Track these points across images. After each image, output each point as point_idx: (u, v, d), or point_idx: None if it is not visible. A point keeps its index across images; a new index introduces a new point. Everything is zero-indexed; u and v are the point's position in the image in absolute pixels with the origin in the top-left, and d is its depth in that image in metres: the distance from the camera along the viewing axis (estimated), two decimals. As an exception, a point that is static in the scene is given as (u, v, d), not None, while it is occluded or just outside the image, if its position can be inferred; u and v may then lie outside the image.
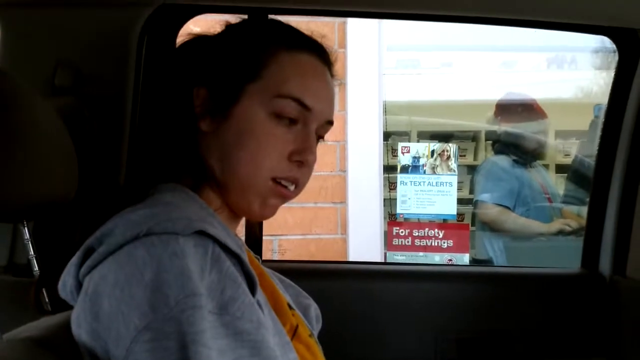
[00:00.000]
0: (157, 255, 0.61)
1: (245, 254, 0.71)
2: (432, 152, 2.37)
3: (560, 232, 2.76)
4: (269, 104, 0.77)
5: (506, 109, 3.01)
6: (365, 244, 2.93)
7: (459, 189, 2.57)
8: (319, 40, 0.85)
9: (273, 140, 0.77)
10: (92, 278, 0.64)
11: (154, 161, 0.81)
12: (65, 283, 0.69)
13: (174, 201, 0.72)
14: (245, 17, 0.99)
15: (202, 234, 0.64)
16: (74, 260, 0.67)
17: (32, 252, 0.96)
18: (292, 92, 0.78)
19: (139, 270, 0.60)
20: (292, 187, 0.80)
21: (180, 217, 0.65)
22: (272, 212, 0.82)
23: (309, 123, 0.80)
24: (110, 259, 0.63)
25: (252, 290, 0.67)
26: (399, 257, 2.33)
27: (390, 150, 2.99)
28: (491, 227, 2.82)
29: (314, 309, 0.92)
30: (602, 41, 3.11)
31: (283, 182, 0.79)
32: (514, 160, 2.85)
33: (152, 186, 0.77)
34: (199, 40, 0.84)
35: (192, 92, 0.79)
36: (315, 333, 0.89)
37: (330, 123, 0.84)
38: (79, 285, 0.67)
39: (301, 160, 0.79)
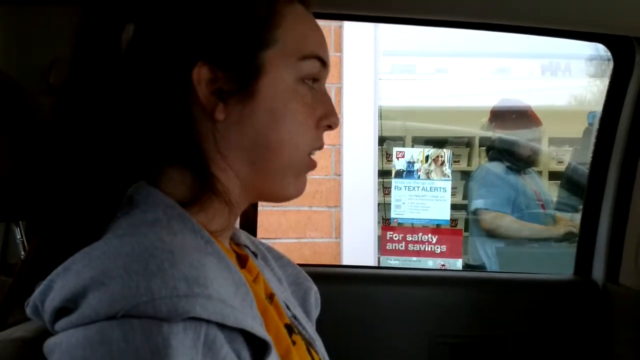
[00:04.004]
0: (135, 347, 0.50)
1: (257, 316, 0.61)
2: (427, 157, 2.37)
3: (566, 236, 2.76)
4: (295, 69, 0.67)
5: (500, 116, 3.02)
6: (359, 248, 2.93)
7: (453, 194, 2.57)
8: None
9: (307, 110, 0.68)
10: (61, 343, 0.54)
11: (133, 165, 0.67)
12: (36, 311, 0.59)
13: (158, 244, 0.56)
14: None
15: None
16: (49, 311, 0.56)
17: (24, 252, 0.95)
18: (314, 50, 0.68)
19: (113, 359, 0.50)
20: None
21: (164, 290, 0.51)
22: (304, 188, 0.72)
23: (324, 80, 0.71)
24: (81, 330, 0.52)
25: (264, 355, 0.58)
26: (393, 261, 2.33)
27: (385, 155, 3.00)
28: (488, 234, 2.82)
29: (314, 293, 0.85)
30: (597, 49, 3.13)
31: (313, 153, 0.71)
32: (507, 167, 2.86)
33: (130, 183, 0.66)
34: (187, 8, 0.67)
35: (190, 74, 0.64)
36: (314, 319, 0.83)
37: None
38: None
39: (330, 124, 0.70)
